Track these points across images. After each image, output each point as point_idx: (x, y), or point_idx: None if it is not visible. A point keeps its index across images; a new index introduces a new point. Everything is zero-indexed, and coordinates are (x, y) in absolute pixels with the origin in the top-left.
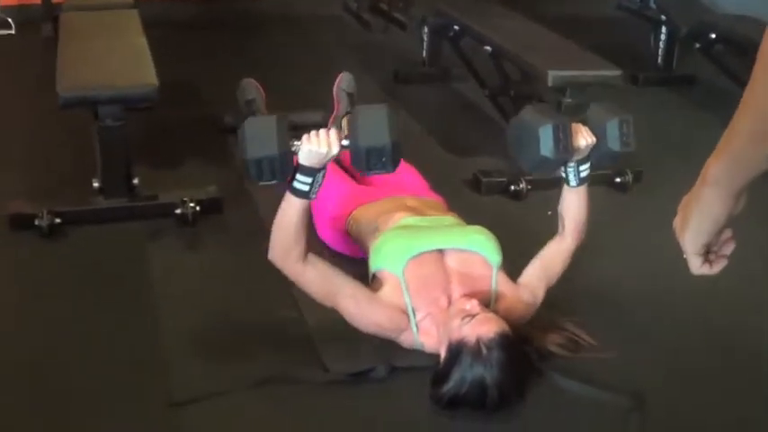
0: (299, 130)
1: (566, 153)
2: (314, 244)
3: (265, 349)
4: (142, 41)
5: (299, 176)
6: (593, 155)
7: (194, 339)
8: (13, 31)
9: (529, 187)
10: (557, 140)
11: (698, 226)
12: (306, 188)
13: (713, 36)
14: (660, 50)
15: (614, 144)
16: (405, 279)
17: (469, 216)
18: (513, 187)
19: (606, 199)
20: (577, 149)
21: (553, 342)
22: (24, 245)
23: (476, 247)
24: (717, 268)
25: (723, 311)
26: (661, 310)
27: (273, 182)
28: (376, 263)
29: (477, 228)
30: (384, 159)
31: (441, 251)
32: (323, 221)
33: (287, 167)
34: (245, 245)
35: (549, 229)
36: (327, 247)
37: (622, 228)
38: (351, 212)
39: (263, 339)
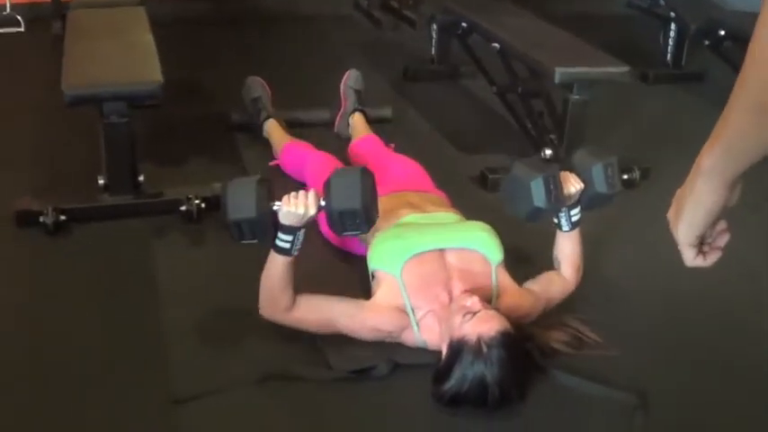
0: (302, 127)
1: (557, 202)
2: (314, 240)
3: (268, 346)
4: (148, 39)
5: (280, 235)
6: (583, 199)
7: (198, 336)
8: (22, 29)
9: None
10: (548, 191)
11: (691, 217)
12: (287, 246)
13: (722, 33)
14: (669, 48)
15: (601, 187)
16: (402, 279)
17: (476, 212)
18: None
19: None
20: (568, 197)
21: (557, 339)
22: (30, 242)
23: (475, 245)
24: (711, 260)
25: (728, 308)
26: (667, 307)
27: (254, 241)
28: (374, 262)
29: (478, 224)
30: (358, 221)
31: (441, 250)
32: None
33: (266, 228)
34: None
35: (554, 228)
36: (329, 244)
37: (629, 224)
38: None
39: (267, 336)
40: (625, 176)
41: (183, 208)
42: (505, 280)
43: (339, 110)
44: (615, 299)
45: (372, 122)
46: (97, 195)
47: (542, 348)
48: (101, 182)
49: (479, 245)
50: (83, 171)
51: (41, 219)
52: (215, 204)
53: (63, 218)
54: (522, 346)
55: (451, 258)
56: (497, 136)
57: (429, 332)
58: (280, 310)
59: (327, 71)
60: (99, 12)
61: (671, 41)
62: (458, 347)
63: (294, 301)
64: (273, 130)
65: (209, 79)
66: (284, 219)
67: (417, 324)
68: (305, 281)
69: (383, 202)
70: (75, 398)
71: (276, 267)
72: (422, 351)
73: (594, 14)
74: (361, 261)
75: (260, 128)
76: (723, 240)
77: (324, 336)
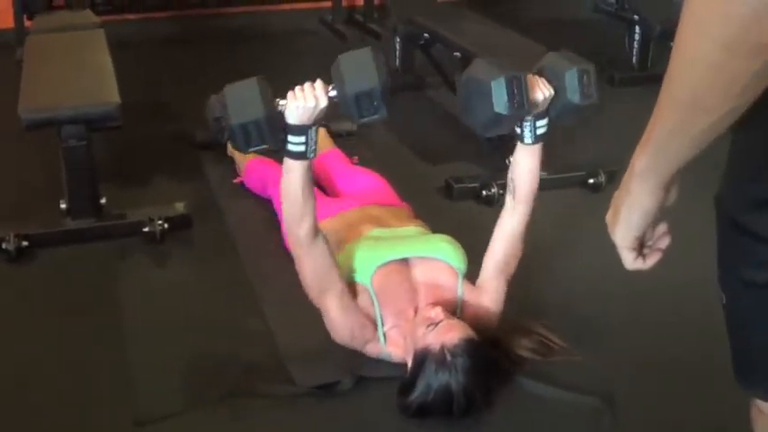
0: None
1: (521, 109)
2: (281, 256)
3: (233, 364)
4: (106, 61)
5: (291, 138)
6: (552, 109)
7: (162, 356)
8: None
9: (501, 192)
10: (511, 95)
11: (628, 219)
12: (302, 148)
13: None
14: (635, 50)
15: (574, 96)
16: (373, 288)
17: (441, 222)
18: (484, 192)
19: (579, 200)
20: (534, 104)
21: (523, 346)
22: None
23: (440, 255)
24: (651, 262)
25: (693, 311)
26: (631, 310)
27: (264, 146)
28: (345, 275)
29: (442, 236)
30: (375, 103)
31: (406, 260)
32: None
33: (276, 129)
34: (213, 260)
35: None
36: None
37: (595, 229)
38: None
39: (231, 354)
40: (591, 180)
41: (146, 229)
42: (469, 290)
43: None
44: (580, 303)
45: (337, 136)
46: (59, 220)
47: (508, 355)
48: (62, 206)
49: (444, 255)
50: (44, 196)
51: (3, 245)
52: (178, 224)
53: (25, 244)
54: (488, 354)
55: (417, 270)
56: (462, 145)
57: (394, 345)
58: (303, 228)
59: (292, 86)
60: (58, 36)
61: (636, 44)
62: (422, 357)
63: (317, 233)
64: None
65: (173, 99)
66: (293, 117)
67: (384, 335)
68: (275, 298)
69: (346, 217)
70: (38, 421)
71: (295, 176)
72: (386, 364)
73: (562, 20)
74: None
75: (224, 146)
76: (664, 243)
77: (288, 351)
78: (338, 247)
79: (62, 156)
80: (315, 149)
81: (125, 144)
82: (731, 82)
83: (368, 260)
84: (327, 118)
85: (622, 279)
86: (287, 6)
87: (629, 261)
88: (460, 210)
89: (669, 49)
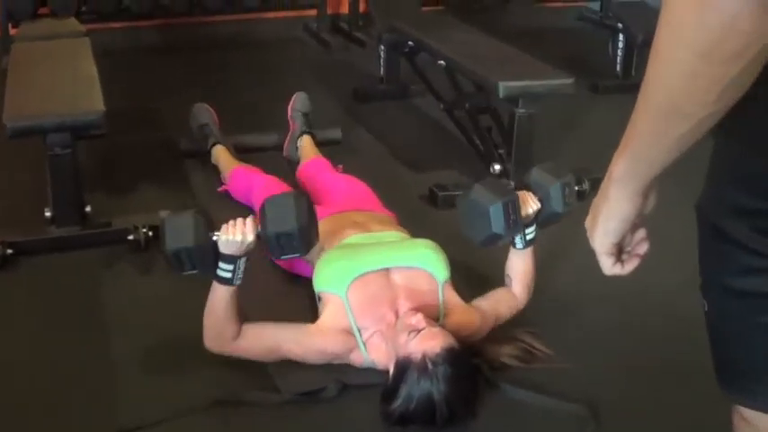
0: (251, 153)
1: (516, 227)
2: (262, 263)
3: (216, 373)
4: (91, 69)
5: (221, 264)
6: (539, 218)
7: (146, 365)
8: None
9: None
10: (507, 217)
11: (605, 226)
12: (228, 275)
13: None
14: (619, 58)
15: (557, 206)
16: (348, 300)
17: (425, 230)
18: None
19: None
20: (526, 218)
21: (507, 354)
22: None
23: (421, 263)
24: (629, 268)
25: (677, 317)
26: (615, 317)
27: (195, 272)
28: (319, 284)
29: (424, 241)
30: (295, 243)
31: (386, 269)
32: None
33: (206, 257)
34: None
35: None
36: (277, 269)
37: (578, 236)
38: None
39: (215, 363)
40: (575, 188)
41: (131, 237)
42: (453, 298)
43: (287, 134)
44: (563, 310)
45: (322, 145)
46: (44, 228)
47: (492, 363)
48: (47, 214)
49: (424, 262)
50: (29, 203)
51: None
52: None
53: (10, 251)
54: (470, 362)
55: (397, 277)
56: (447, 153)
57: (377, 352)
58: (226, 341)
59: (277, 95)
60: (43, 44)
61: (620, 52)
62: (403, 366)
63: (239, 333)
64: (221, 155)
65: (158, 107)
66: (224, 248)
67: (364, 344)
68: (253, 305)
69: (328, 223)
70: (22, 429)
71: (219, 298)
72: (370, 371)
73: (546, 28)
74: (309, 283)
75: (208, 154)
76: (642, 249)
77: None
78: (318, 254)
79: (47, 163)
80: (241, 278)
81: (110, 152)
82: (707, 88)
83: (342, 271)
84: (311, 126)
85: (606, 285)
86: (272, 15)
87: (608, 266)
88: (444, 217)
89: None
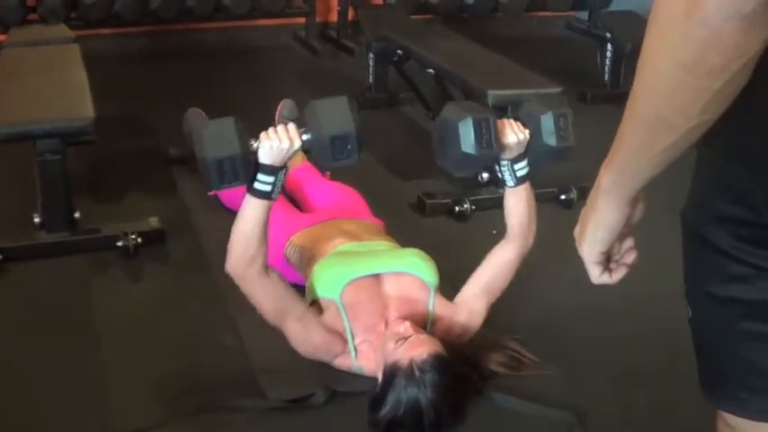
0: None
1: (490, 149)
2: None
3: (206, 379)
4: (81, 75)
5: (260, 176)
6: (531, 152)
7: (136, 370)
8: None
9: (473, 208)
10: (479, 135)
11: (593, 235)
12: (268, 188)
13: None
14: (607, 68)
15: (550, 139)
16: (342, 304)
17: (413, 238)
18: (457, 208)
19: (551, 215)
20: (507, 146)
21: (494, 360)
22: None
23: (411, 270)
24: (617, 277)
25: (663, 324)
26: (602, 324)
27: (236, 184)
28: (313, 291)
29: (413, 250)
30: (350, 147)
31: (377, 276)
32: None
33: (249, 167)
34: (187, 275)
35: (492, 248)
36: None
37: (567, 244)
38: (289, 238)
39: (205, 369)
40: (562, 196)
41: (120, 244)
42: (441, 303)
43: None
44: (551, 318)
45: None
46: (33, 233)
47: (480, 370)
48: (36, 220)
49: (415, 269)
50: (18, 209)
51: None
52: (152, 239)
53: None
54: (457, 369)
55: (388, 285)
56: (435, 162)
57: (365, 359)
58: (252, 269)
59: (266, 102)
60: (32, 50)
61: (608, 62)
62: (391, 373)
63: (266, 268)
64: None
65: (147, 113)
66: (266, 156)
67: (355, 349)
68: (246, 311)
69: (317, 231)
70: None
71: (254, 215)
72: (359, 378)
73: (535, 37)
74: (299, 291)
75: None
76: (630, 258)
77: (261, 366)
78: (308, 263)
79: (37, 169)
80: (279, 192)
81: (100, 158)
82: (692, 100)
83: (336, 276)
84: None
85: (593, 293)
86: (261, 22)
87: (596, 275)
88: (433, 225)
89: None
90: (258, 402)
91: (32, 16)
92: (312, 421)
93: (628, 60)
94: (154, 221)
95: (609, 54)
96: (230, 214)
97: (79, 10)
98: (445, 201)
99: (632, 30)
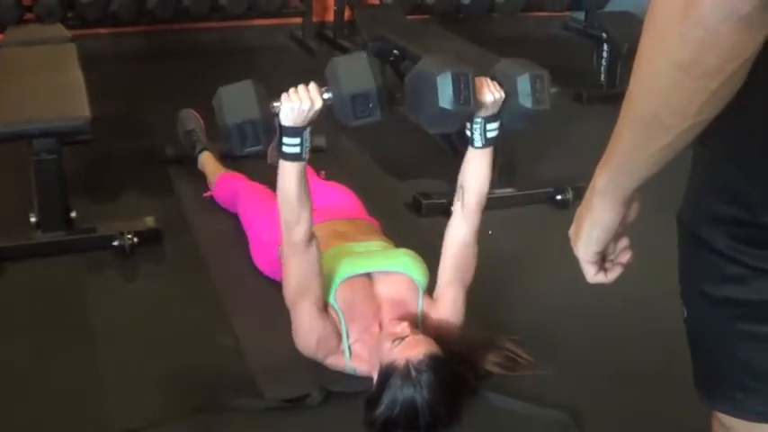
0: (236, 160)
1: (467, 106)
2: (251, 270)
3: (203, 379)
4: (77, 75)
5: (285, 140)
6: (505, 114)
7: (132, 370)
8: None
9: None
10: (457, 90)
11: (588, 234)
12: (297, 150)
13: None
14: (603, 68)
15: (526, 101)
16: (337, 303)
17: (409, 238)
18: (452, 208)
19: (547, 215)
20: (483, 104)
21: (490, 361)
22: None
23: (402, 269)
24: (612, 276)
25: (659, 324)
26: (597, 324)
27: (258, 147)
28: None
29: (405, 250)
30: (371, 105)
31: (369, 275)
32: (257, 248)
33: (270, 130)
34: (183, 274)
35: (488, 248)
36: (262, 276)
37: (562, 244)
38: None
39: (201, 369)
40: (558, 196)
41: (116, 243)
42: (429, 303)
43: (271, 141)
44: (547, 318)
45: None
46: (29, 233)
47: (475, 370)
48: (32, 219)
49: (406, 268)
50: (14, 209)
51: None
52: (148, 238)
53: None
54: (453, 369)
55: (380, 285)
56: (431, 161)
57: (359, 359)
58: (299, 229)
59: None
60: (29, 49)
61: (604, 62)
62: (387, 373)
63: (312, 238)
64: (208, 161)
65: (144, 113)
66: (287, 119)
67: (349, 349)
68: (245, 313)
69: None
70: None
71: (290, 179)
72: (354, 379)
73: (531, 37)
74: None
75: (194, 160)
76: (625, 257)
77: (258, 365)
78: None
79: (33, 169)
80: (309, 150)
81: (96, 158)
82: (688, 101)
83: (330, 276)
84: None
85: (589, 294)
86: (257, 22)
87: (591, 275)
88: (428, 225)
89: None
90: (255, 402)
91: (29, 16)
92: (309, 421)
93: (624, 61)
94: (150, 221)
95: (605, 54)
96: (226, 214)
97: (76, 10)
98: (441, 201)
99: (629, 30)
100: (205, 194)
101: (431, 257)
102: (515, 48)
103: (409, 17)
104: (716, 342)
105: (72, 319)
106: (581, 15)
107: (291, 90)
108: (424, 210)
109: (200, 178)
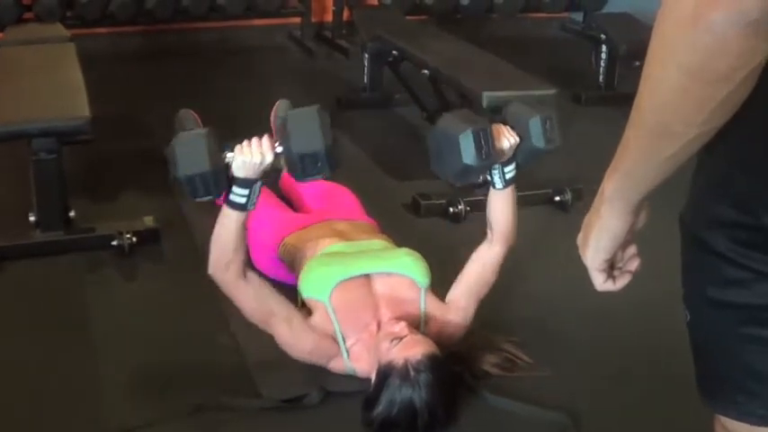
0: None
1: (489, 158)
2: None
3: (201, 378)
4: (77, 74)
5: (235, 189)
6: (519, 155)
7: (131, 369)
8: None
9: (467, 209)
10: (479, 147)
11: (597, 242)
12: (243, 200)
13: None
14: (601, 70)
15: (539, 142)
16: (332, 306)
17: (408, 239)
18: (451, 209)
19: (547, 218)
20: (501, 152)
21: (489, 361)
22: None
23: (403, 270)
24: (620, 284)
25: (660, 326)
26: (597, 326)
27: (209, 197)
28: (303, 291)
29: (405, 250)
30: (320, 164)
31: (368, 276)
32: (256, 249)
33: (221, 182)
34: (182, 274)
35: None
36: (263, 276)
37: (563, 246)
38: (283, 239)
39: (200, 368)
40: (557, 198)
41: (115, 243)
42: (433, 303)
43: None
44: (546, 320)
45: None
46: (28, 232)
47: (474, 371)
48: (32, 219)
49: (407, 269)
50: (13, 208)
51: None
52: (147, 238)
53: None
54: (452, 370)
55: (379, 285)
56: (428, 162)
57: (358, 360)
58: (230, 273)
59: (261, 102)
60: (28, 48)
61: (603, 63)
62: (385, 372)
63: (246, 273)
64: None
65: (143, 113)
66: (239, 170)
67: (347, 351)
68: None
69: (311, 232)
70: None
71: (230, 224)
72: (353, 378)
73: (530, 39)
74: (292, 291)
75: None
76: (633, 265)
77: (256, 365)
78: (299, 263)
79: (32, 168)
80: (255, 203)
81: (95, 158)
82: (697, 109)
83: (326, 277)
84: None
85: (588, 294)
86: (256, 22)
87: (599, 282)
88: (427, 226)
89: (635, 69)
90: (253, 402)
91: (28, 15)
92: (307, 421)
93: (622, 62)
94: (148, 221)
95: (603, 55)
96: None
97: (75, 9)
98: (440, 202)
99: (627, 31)
100: None
101: (430, 257)
102: (514, 49)
103: (408, 17)
104: (718, 345)
105: (71, 319)
106: (579, 16)
107: (245, 142)
108: (422, 210)
109: None
